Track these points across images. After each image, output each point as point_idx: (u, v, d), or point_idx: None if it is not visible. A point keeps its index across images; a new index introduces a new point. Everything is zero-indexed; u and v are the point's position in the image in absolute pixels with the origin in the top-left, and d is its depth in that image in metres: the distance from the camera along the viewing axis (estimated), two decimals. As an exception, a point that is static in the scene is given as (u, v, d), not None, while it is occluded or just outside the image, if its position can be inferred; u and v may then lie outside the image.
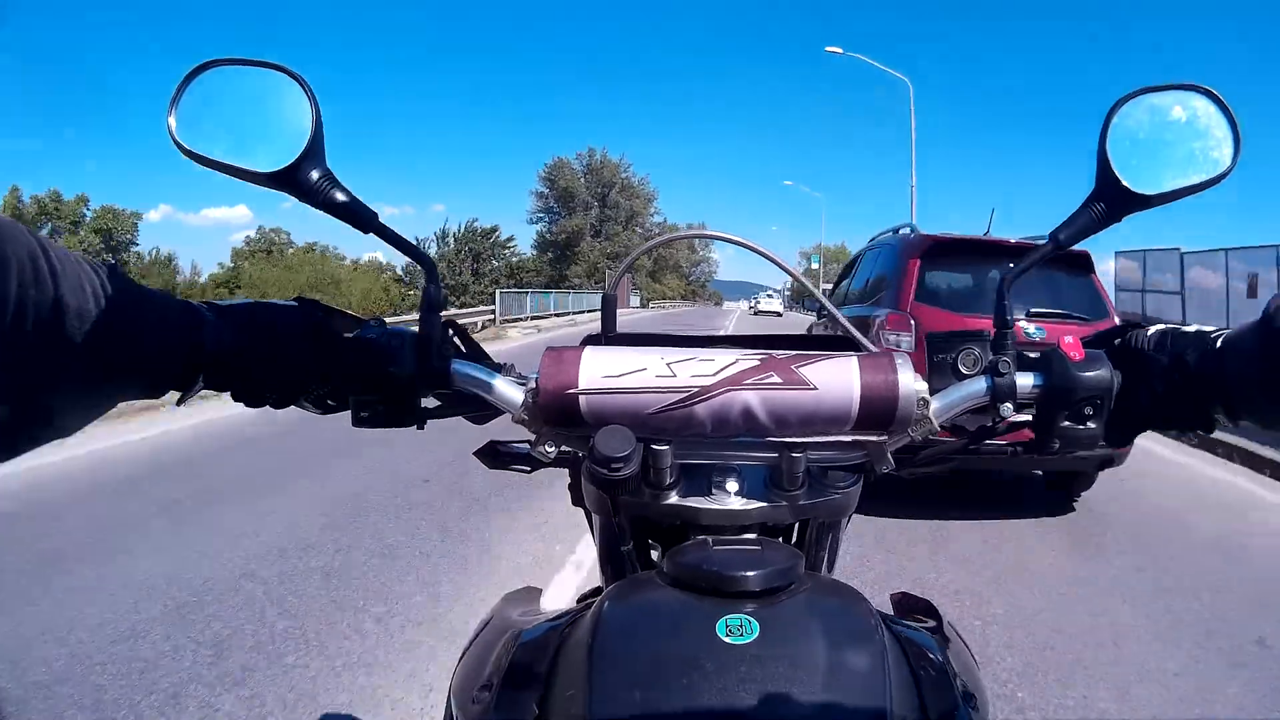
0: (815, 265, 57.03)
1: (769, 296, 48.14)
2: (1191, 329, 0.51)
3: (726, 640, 0.39)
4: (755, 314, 40.18)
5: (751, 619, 0.40)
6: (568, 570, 2.63)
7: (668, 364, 0.49)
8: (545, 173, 51.97)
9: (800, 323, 29.78)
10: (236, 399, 0.51)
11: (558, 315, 23.29)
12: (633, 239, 48.00)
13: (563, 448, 0.52)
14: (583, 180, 51.35)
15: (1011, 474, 4.00)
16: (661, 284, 56.45)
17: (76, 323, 0.37)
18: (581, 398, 0.49)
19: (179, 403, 0.49)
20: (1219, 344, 0.48)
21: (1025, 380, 0.51)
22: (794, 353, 0.51)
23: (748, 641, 0.39)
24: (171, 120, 0.48)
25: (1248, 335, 0.47)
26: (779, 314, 39.51)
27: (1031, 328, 3.27)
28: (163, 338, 0.44)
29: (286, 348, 0.50)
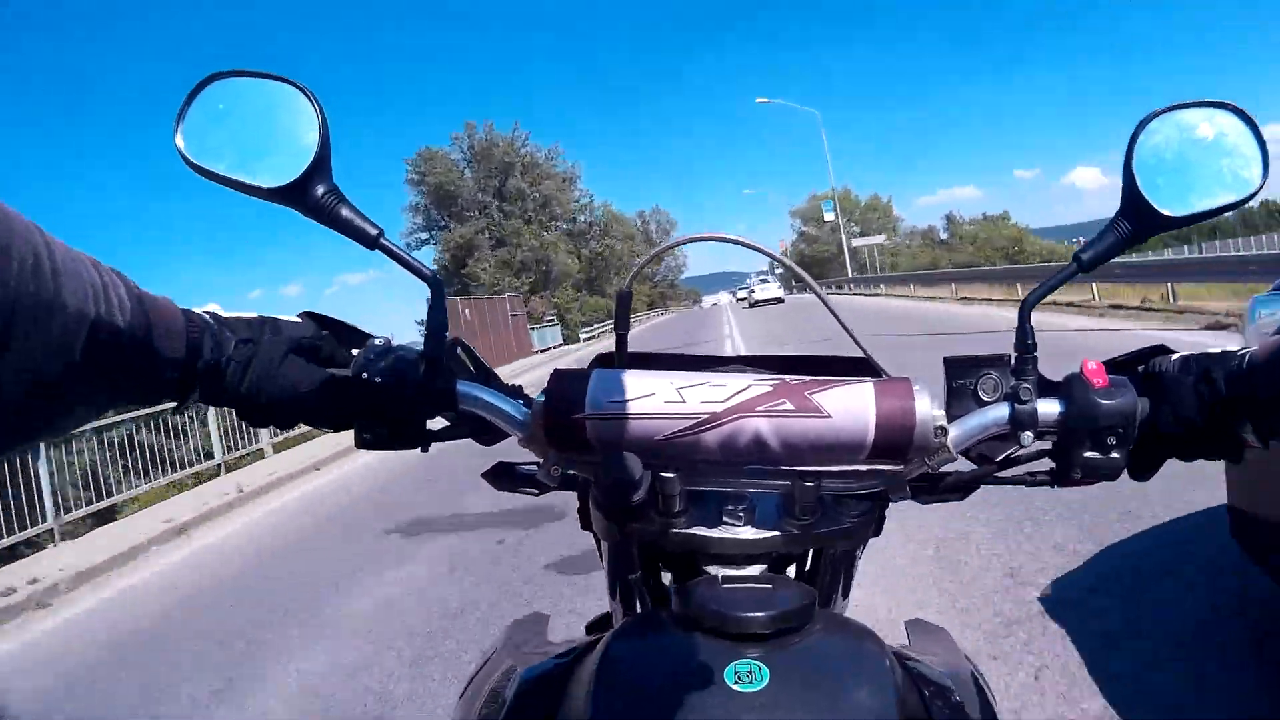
0: (829, 214, 40.56)
1: (764, 281, 36.44)
2: (1217, 350, 0.49)
3: (735, 688, 0.38)
4: (752, 306, 30.94)
5: (761, 664, 0.39)
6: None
7: (677, 389, 0.48)
8: (412, 172, 34.04)
9: (804, 306, 24.80)
10: (241, 417, 0.50)
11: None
12: (544, 237, 33.69)
13: (570, 471, 0.51)
14: (466, 172, 34.03)
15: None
16: (610, 298, 39.08)
17: (75, 326, 0.36)
18: (588, 422, 0.48)
19: (175, 411, 0.49)
20: (1246, 362, 0.47)
21: (1047, 407, 0.49)
22: (808, 378, 0.49)
23: (757, 690, 0.37)
24: (179, 134, 0.47)
25: (1278, 352, 0.45)
26: (780, 300, 30.93)
27: None
28: (161, 345, 0.43)
29: (288, 363, 0.49)
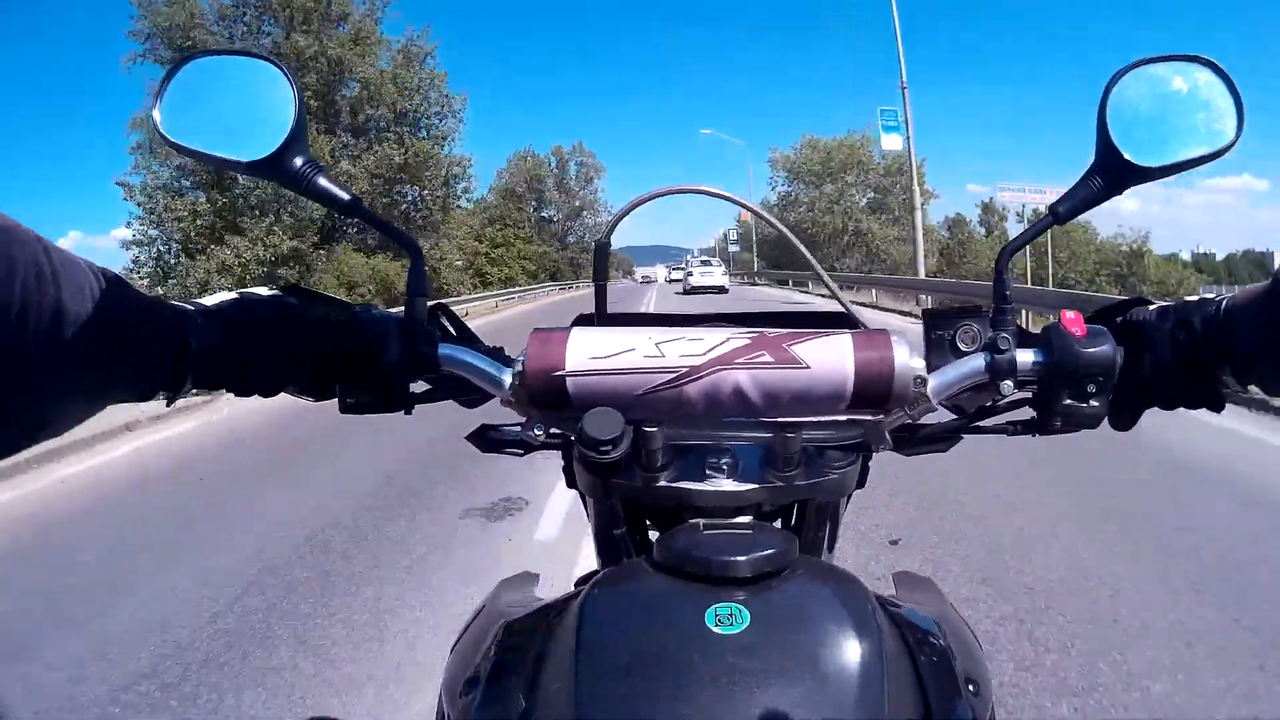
0: (891, 140, 17.50)
1: (705, 263, 27.55)
2: (1195, 298, 0.50)
3: (716, 630, 0.38)
4: (687, 292, 24.01)
5: (742, 607, 0.39)
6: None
7: (656, 344, 0.48)
8: (138, 20, 17.76)
9: (750, 297, 19.31)
10: (227, 390, 0.51)
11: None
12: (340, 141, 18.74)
13: (553, 430, 0.52)
14: (216, 25, 18.46)
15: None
16: (497, 263, 27.34)
17: (75, 326, 0.37)
18: (568, 380, 0.48)
19: (168, 403, 0.49)
20: (1224, 308, 0.48)
21: (1025, 357, 0.50)
22: (786, 331, 0.50)
23: (737, 631, 0.38)
24: (156, 113, 0.49)
25: (1256, 297, 0.46)
26: (723, 289, 24.13)
27: None
28: (153, 341, 0.44)
29: (273, 338, 0.50)
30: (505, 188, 35.31)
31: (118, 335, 0.40)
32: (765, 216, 0.65)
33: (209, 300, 0.51)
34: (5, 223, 0.34)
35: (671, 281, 38.61)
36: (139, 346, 0.43)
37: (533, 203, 39.57)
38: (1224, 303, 0.48)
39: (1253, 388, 0.48)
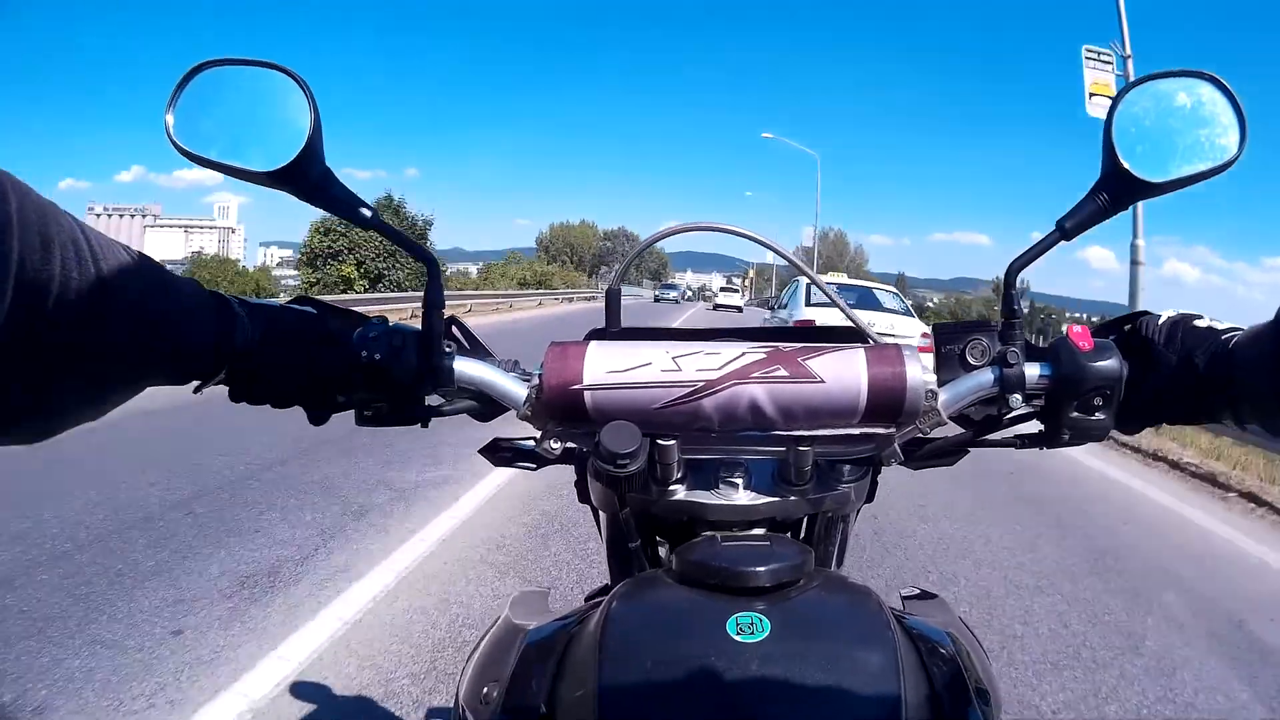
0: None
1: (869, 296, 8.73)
2: (1203, 324, 0.50)
3: (737, 639, 0.38)
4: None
5: (762, 616, 0.40)
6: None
7: (673, 358, 0.49)
8: None
9: None
10: (241, 398, 0.50)
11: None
12: None
13: (567, 444, 0.52)
14: None
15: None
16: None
17: (116, 306, 0.37)
18: (586, 394, 0.49)
19: (196, 390, 0.48)
20: (1230, 346, 0.47)
21: (1034, 371, 0.50)
22: (800, 345, 0.50)
23: (758, 640, 0.38)
24: (169, 120, 0.48)
25: (1260, 339, 0.45)
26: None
27: None
28: (195, 327, 0.44)
29: (306, 350, 0.50)
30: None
31: (157, 317, 0.40)
32: (787, 255, 0.65)
33: (252, 300, 0.50)
34: (41, 202, 0.34)
35: (716, 307, 27.05)
36: (180, 331, 0.43)
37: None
38: (1230, 341, 0.47)
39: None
